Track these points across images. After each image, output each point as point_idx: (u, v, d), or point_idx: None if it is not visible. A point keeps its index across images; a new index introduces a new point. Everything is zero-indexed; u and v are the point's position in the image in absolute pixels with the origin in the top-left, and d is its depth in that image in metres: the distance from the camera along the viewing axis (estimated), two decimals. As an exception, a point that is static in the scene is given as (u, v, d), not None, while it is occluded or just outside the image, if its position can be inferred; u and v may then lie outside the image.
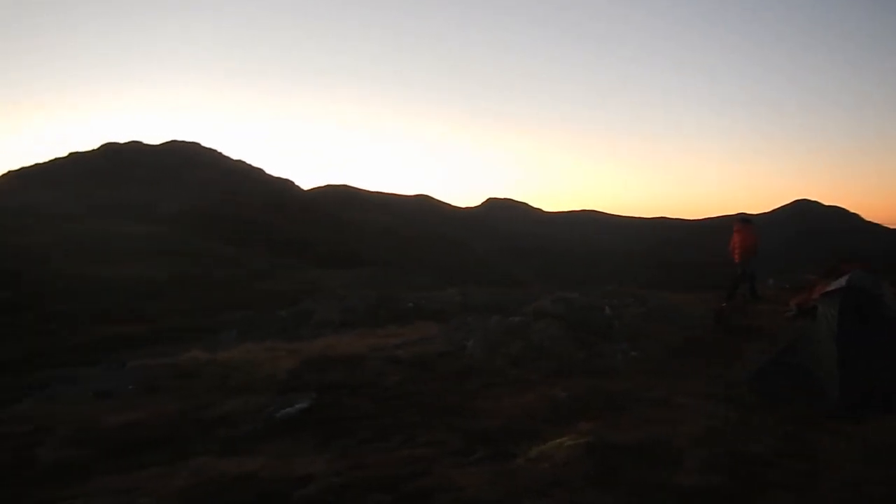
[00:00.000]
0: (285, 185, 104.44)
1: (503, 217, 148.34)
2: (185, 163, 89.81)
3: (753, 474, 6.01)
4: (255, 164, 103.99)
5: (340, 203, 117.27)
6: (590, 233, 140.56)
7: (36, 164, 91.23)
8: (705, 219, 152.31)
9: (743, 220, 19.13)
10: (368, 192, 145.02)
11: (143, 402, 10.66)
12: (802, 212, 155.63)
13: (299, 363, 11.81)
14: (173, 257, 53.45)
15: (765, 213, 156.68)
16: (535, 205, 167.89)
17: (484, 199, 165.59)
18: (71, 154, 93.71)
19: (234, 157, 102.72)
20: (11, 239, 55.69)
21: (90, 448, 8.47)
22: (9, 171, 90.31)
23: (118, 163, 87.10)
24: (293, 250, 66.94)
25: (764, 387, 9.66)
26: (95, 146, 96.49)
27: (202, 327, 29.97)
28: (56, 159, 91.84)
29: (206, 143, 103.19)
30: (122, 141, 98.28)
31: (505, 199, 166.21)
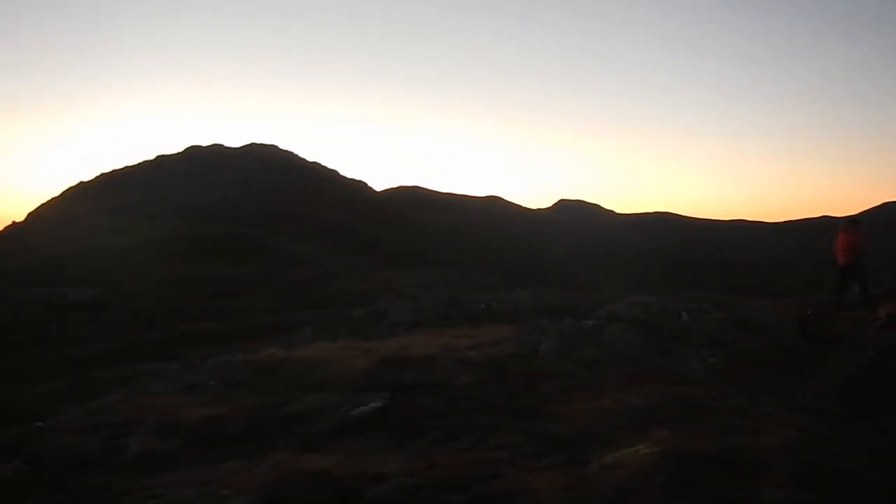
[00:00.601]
0: (359, 187, 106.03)
1: (574, 219, 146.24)
2: (264, 165, 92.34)
3: (841, 491, 5.75)
4: (331, 165, 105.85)
5: (412, 204, 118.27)
6: (664, 236, 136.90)
7: (126, 167, 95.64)
8: (786, 221, 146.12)
9: (851, 221, 18.47)
10: (439, 193, 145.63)
11: (225, 397, 11.07)
12: (891, 214, 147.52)
13: (373, 362, 12.00)
14: (251, 257, 55.12)
15: (851, 217, 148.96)
16: (607, 206, 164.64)
17: (555, 200, 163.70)
18: (157, 157, 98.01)
19: (311, 159, 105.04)
20: (102, 239, 58.69)
21: (175, 440, 8.84)
22: (101, 174, 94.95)
23: (201, 165, 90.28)
24: (366, 251, 67.93)
25: (852, 397, 9.26)
26: (180, 149, 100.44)
27: (278, 325, 30.84)
28: (143, 162, 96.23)
29: (283, 146, 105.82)
30: (204, 144, 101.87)
31: (576, 200, 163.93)
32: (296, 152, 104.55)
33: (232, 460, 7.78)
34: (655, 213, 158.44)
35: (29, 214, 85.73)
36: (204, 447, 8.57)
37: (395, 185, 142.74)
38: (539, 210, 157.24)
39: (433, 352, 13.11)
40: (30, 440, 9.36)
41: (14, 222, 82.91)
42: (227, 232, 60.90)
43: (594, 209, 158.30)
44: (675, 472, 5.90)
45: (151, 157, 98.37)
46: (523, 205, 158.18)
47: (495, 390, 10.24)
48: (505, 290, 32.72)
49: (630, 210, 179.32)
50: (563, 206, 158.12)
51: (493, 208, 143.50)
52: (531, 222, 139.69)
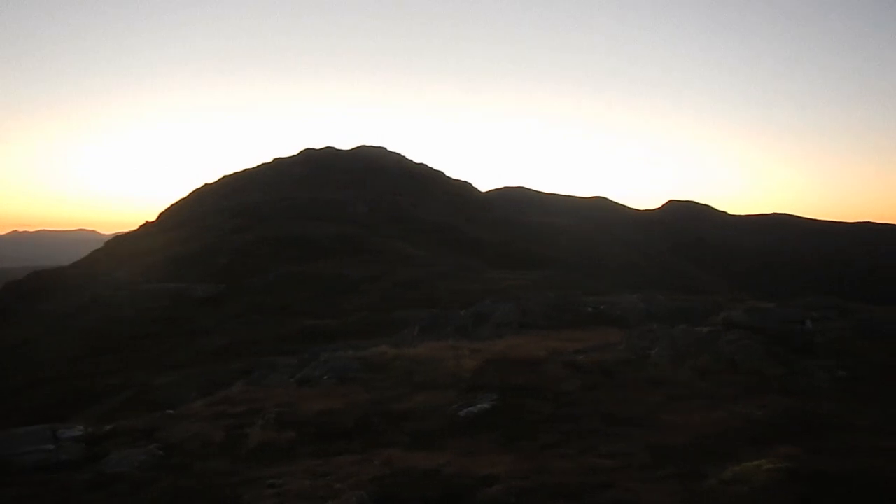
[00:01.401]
0: (464, 187, 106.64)
1: (685, 220, 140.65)
2: (373, 166, 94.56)
3: None
4: (437, 166, 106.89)
5: (517, 204, 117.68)
6: (782, 238, 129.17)
7: (246, 170, 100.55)
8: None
9: None
10: (545, 193, 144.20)
11: (338, 392, 11.45)
12: None
13: (481, 363, 12.05)
14: (361, 256, 56.59)
15: None
16: (719, 207, 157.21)
17: (664, 200, 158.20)
18: (275, 160, 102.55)
19: (418, 160, 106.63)
20: (223, 238, 62.00)
21: (292, 431, 9.24)
22: (224, 176, 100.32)
23: (315, 167, 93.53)
24: (471, 251, 68.21)
25: None
26: (295, 152, 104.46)
27: (387, 323, 31.52)
28: (262, 164, 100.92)
29: (391, 148, 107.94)
30: (318, 147, 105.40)
31: (686, 201, 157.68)
32: (403, 154, 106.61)
33: (345, 454, 8.04)
34: (772, 214, 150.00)
35: (160, 214, 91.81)
36: (319, 440, 8.91)
37: (500, 185, 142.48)
38: (647, 211, 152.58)
39: (541, 354, 13.00)
40: (162, 426, 10.06)
41: (147, 222, 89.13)
42: (339, 232, 62.81)
43: (705, 210, 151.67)
44: (804, 492, 5.55)
45: (269, 159, 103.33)
46: (631, 205, 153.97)
47: (605, 396, 10.03)
48: (613, 292, 31.99)
49: (744, 210, 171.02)
50: (673, 206, 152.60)
51: (600, 209, 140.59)
52: (640, 223, 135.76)
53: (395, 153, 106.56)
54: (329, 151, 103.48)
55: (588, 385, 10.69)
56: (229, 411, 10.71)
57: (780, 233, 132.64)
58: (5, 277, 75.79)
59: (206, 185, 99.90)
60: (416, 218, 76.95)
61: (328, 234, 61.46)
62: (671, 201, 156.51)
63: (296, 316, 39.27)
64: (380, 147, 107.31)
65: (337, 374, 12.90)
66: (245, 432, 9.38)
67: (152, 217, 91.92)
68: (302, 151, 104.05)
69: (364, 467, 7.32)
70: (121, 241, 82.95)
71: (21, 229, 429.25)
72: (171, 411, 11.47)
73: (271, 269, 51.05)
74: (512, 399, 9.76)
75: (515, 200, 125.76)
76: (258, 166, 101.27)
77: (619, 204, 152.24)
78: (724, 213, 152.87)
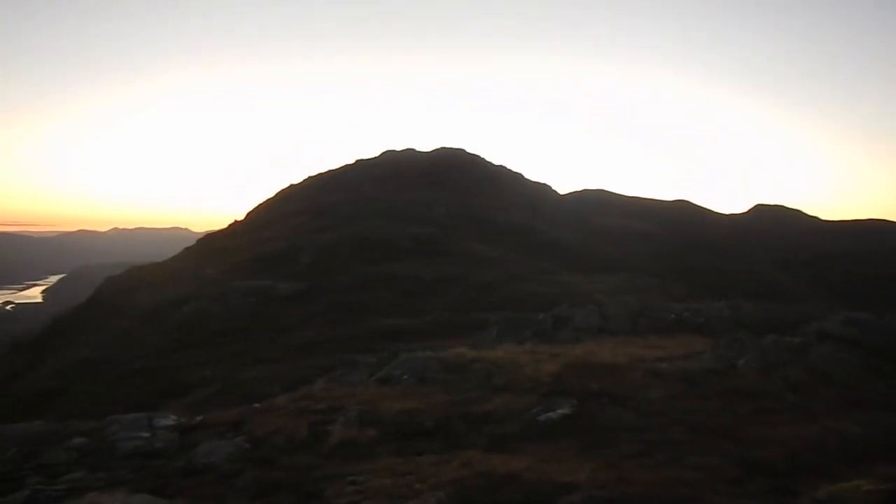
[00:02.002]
0: (543, 190, 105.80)
1: (773, 225, 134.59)
2: (452, 168, 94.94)
3: None
4: (515, 168, 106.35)
5: (596, 207, 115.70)
6: (880, 246, 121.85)
7: (329, 171, 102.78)
8: None
9: None
10: (625, 196, 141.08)
11: (417, 392, 11.56)
12: None
13: (560, 367, 11.91)
14: (439, 257, 56.95)
15: None
16: (810, 212, 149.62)
17: (751, 205, 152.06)
18: (357, 161, 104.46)
19: (496, 162, 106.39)
20: (307, 237, 63.64)
21: (373, 430, 9.39)
22: (308, 177, 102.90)
23: (395, 168, 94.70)
24: (549, 254, 67.51)
25: None
26: (377, 154, 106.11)
27: (464, 324, 31.60)
28: (345, 166, 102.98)
29: (469, 149, 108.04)
30: (398, 148, 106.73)
31: (775, 205, 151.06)
32: (482, 155, 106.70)
33: (425, 454, 8.11)
34: (868, 220, 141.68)
35: (248, 214, 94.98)
36: (399, 439, 9.02)
37: (579, 188, 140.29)
38: (734, 215, 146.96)
39: (621, 361, 12.75)
40: (248, 419, 10.41)
41: (235, 221, 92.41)
42: (418, 233, 63.37)
43: (795, 215, 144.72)
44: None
45: (351, 161, 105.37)
46: (716, 210, 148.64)
47: (689, 406, 9.75)
48: (696, 299, 31.04)
49: (837, 216, 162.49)
50: (761, 210, 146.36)
51: (683, 213, 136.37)
52: (725, 228, 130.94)
53: (473, 155, 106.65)
54: (409, 153, 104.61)
55: (671, 394, 10.42)
56: (312, 407, 10.96)
57: (877, 240, 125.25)
58: (105, 272, 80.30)
59: (291, 185, 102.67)
60: (494, 220, 76.86)
61: (407, 235, 62.17)
62: (758, 205, 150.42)
63: (375, 315, 39.90)
64: (459, 149, 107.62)
65: (416, 374, 13.02)
66: (327, 429, 9.59)
67: (241, 216, 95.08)
68: (383, 153, 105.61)
69: (443, 468, 7.37)
70: (211, 239, 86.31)
71: (121, 227, 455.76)
72: (257, 405, 11.84)
73: (352, 268, 52.04)
74: (592, 405, 9.62)
75: (594, 203, 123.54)
76: (341, 168, 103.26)
77: (702, 208, 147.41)
78: (815, 218, 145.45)
